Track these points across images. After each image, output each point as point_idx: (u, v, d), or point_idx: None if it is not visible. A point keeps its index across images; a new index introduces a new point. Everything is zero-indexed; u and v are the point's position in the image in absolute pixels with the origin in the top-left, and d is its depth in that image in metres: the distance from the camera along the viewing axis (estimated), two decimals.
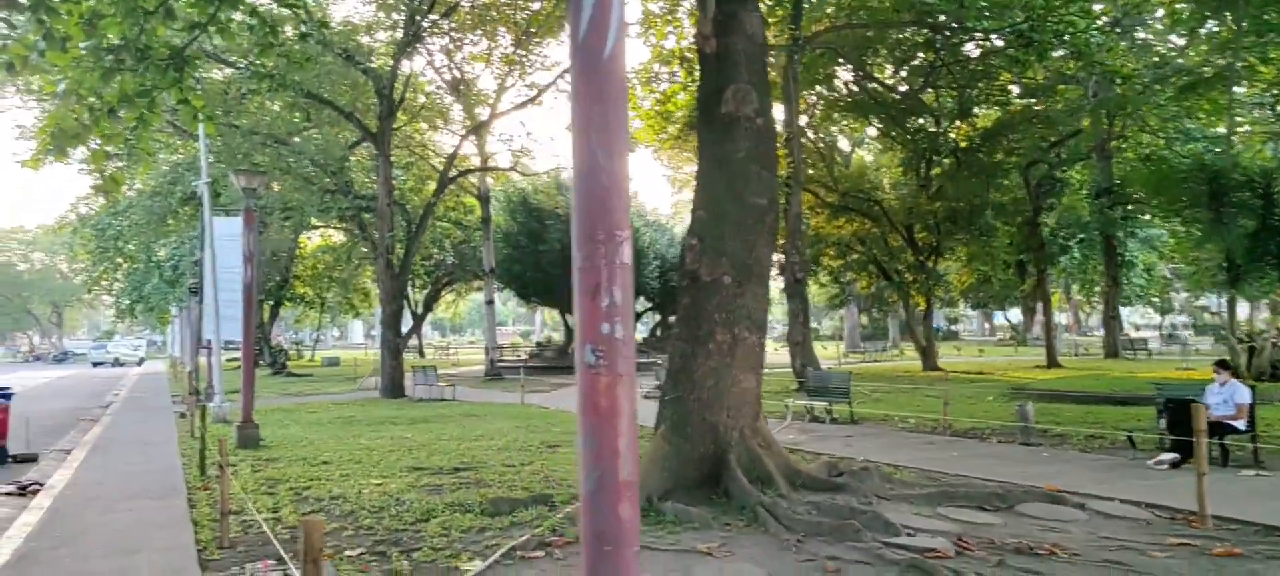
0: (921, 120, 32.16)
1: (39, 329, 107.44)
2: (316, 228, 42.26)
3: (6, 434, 14.65)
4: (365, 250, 47.32)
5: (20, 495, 11.46)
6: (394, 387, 26.07)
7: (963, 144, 31.80)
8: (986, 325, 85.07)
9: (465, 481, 10.92)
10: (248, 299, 15.27)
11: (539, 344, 49.49)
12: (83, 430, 19.75)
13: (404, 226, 28.95)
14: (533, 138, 39.97)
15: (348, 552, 7.59)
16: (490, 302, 36.34)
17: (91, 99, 11.02)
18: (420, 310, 55.44)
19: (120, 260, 43.36)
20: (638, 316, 48.81)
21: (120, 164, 17.50)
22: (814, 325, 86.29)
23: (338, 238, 49.80)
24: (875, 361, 42.69)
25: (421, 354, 59.40)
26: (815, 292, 55.95)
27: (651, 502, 8.56)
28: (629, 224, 3.11)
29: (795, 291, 24.92)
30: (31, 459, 14.67)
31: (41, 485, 11.76)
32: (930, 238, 33.09)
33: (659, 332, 50.15)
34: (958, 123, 32.19)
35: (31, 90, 24.45)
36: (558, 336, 67.34)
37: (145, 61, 10.82)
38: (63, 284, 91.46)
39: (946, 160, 32.26)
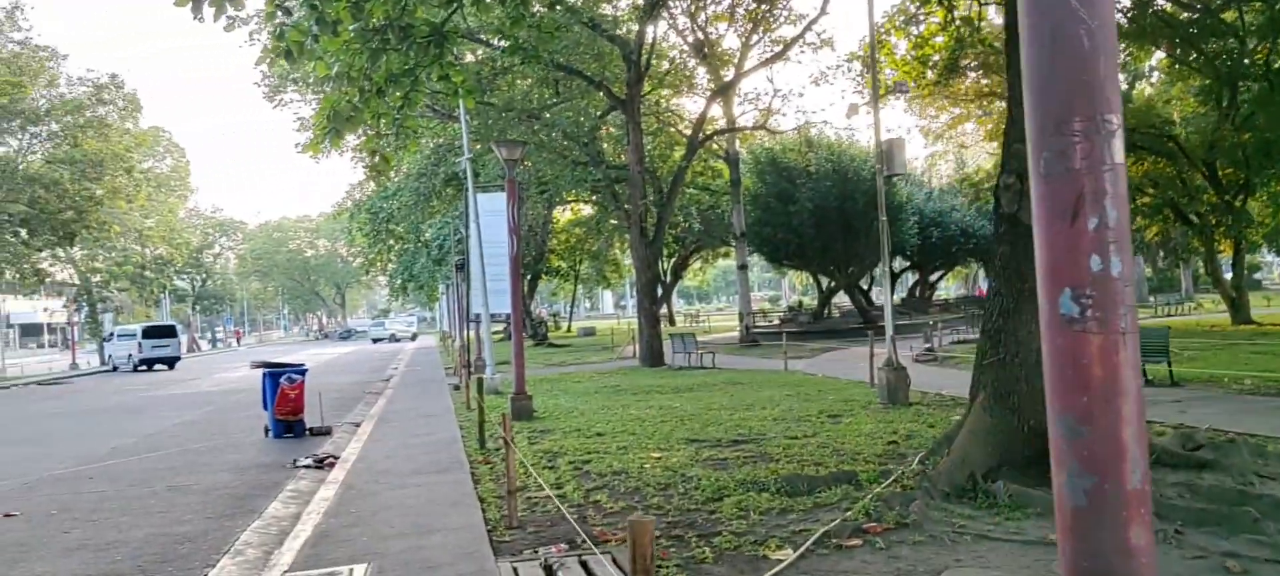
0: (1221, 42, 28.27)
1: (325, 309, 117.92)
2: (568, 201, 43.07)
3: (303, 408, 15.38)
4: (614, 222, 47.97)
5: (318, 468, 11.80)
6: (653, 356, 25.90)
7: (1276, 66, 27.62)
8: None
9: (749, 455, 10.14)
10: (515, 270, 15.23)
11: (791, 308, 48.40)
12: (369, 403, 20.74)
13: (655, 194, 28.70)
14: (780, 94, 37.99)
15: None
16: (743, 267, 35.62)
17: (361, 82, 11.14)
18: (669, 278, 55.76)
19: (392, 241, 46.17)
20: (894, 277, 46.67)
21: (389, 145, 18.09)
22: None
23: (587, 210, 50.73)
24: (1169, 315, 38.46)
25: (671, 322, 59.77)
26: None
27: (977, 482, 7.41)
28: (1120, 106, 2.08)
29: None
30: (326, 432, 15.32)
31: (336, 458, 12.09)
32: (1237, 174, 29.12)
33: (918, 293, 47.77)
34: (1266, 42, 28.03)
35: (308, 83, 26.01)
36: (810, 300, 65.90)
37: (408, 40, 10.78)
38: (344, 267, 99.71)
39: (1255, 85, 28.17)
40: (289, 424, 15.20)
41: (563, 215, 51.99)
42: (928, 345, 25.42)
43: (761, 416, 13.52)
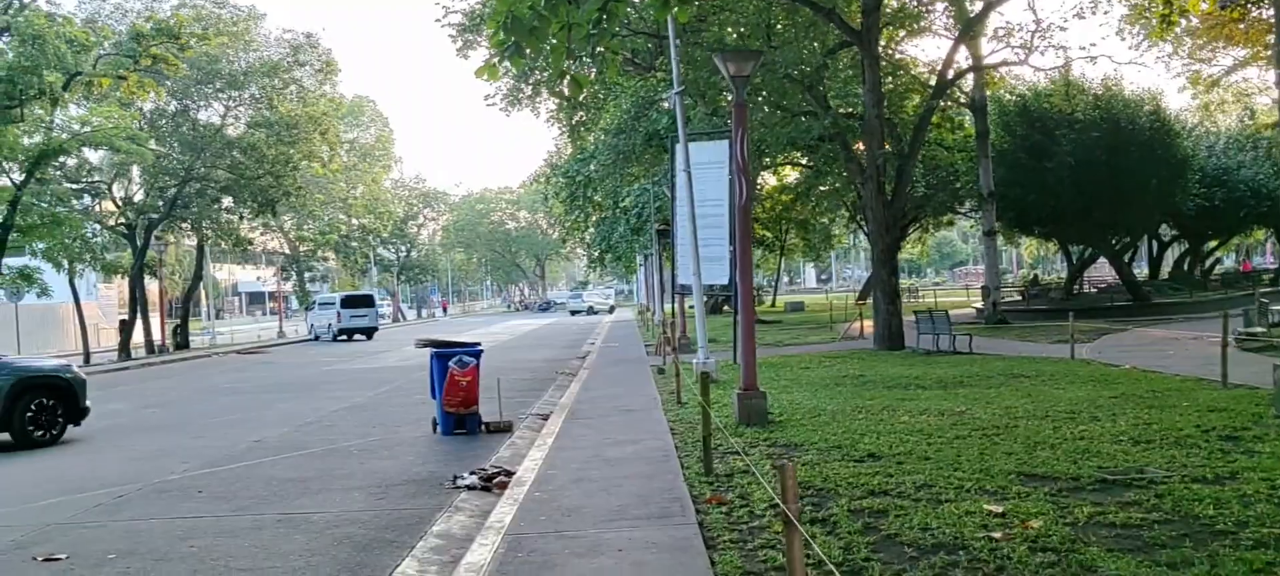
0: None
1: (526, 281, 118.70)
2: (779, 163, 38.96)
3: (477, 398, 12.31)
4: (825, 188, 43.35)
5: (485, 489, 8.60)
6: (891, 337, 21.65)
7: None
8: None
9: (1160, 518, 6.05)
10: (744, 223, 11.50)
11: (1033, 282, 42.46)
12: (561, 387, 17.71)
13: (893, 144, 24.20)
14: (1041, 29, 30.84)
15: None
16: (991, 233, 30.48)
17: None
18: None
19: (589, 209, 43.62)
20: (1164, 246, 40.07)
21: (587, 64, 15.08)
22: None
23: (792, 176, 46.54)
24: None
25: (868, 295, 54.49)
26: None
27: None
28: None
29: None
30: (505, 428, 12.24)
31: (509, 476, 8.83)
32: None
33: (1188, 266, 40.81)
34: None
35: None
36: (1044, 274, 59.23)
37: None
38: (543, 239, 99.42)
39: None
40: (460, 417, 12.18)
41: (767, 181, 47.97)
42: (1246, 329, 19.84)
43: (1104, 433, 9.27)
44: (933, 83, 25.79)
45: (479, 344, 12.75)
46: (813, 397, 13.12)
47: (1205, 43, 39.62)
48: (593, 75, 21.55)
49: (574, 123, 33.24)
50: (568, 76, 11.10)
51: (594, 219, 48.84)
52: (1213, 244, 42.39)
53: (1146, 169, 29.41)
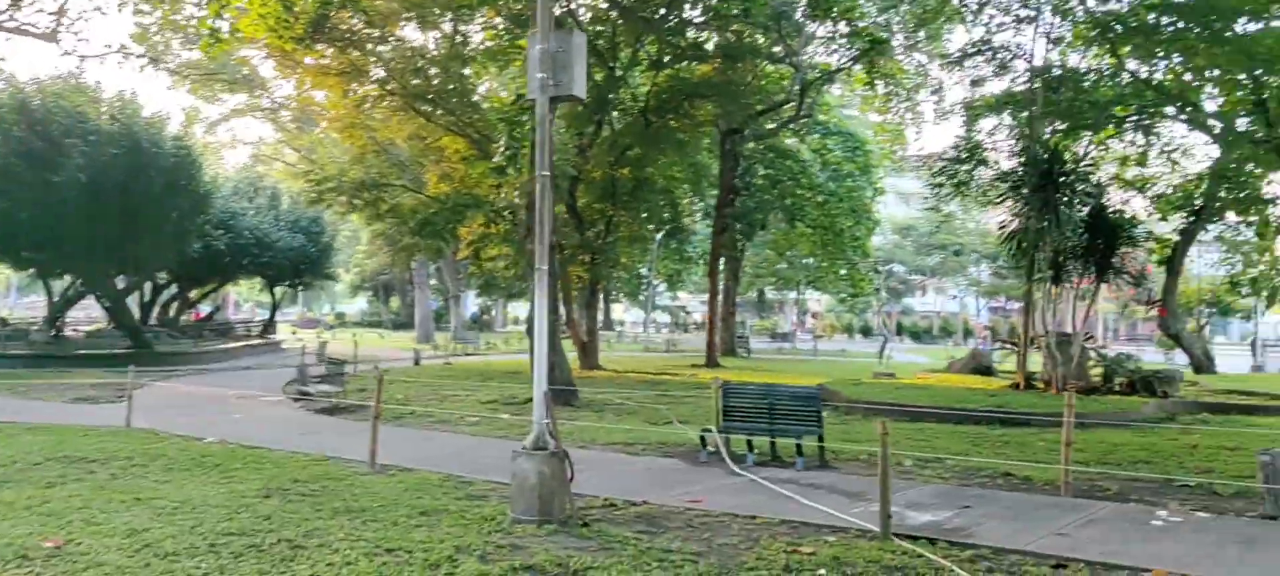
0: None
1: None
2: None
3: None
4: None
5: None
6: None
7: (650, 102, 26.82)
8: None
9: None
10: None
11: (1, 321, 34.70)
12: None
13: None
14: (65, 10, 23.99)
15: None
16: None
17: None
18: None
19: None
20: (159, 288, 36.63)
21: None
22: (354, 310, 75.36)
23: None
24: (486, 356, 36.24)
25: None
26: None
27: None
28: None
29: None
30: None
31: None
32: (606, 209, 27.61)
33: (177, 311, 38.22)
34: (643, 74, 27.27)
35: None
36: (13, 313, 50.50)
37: None
38: None
39: (625, 119, 26.87)
40: None
41: None
42: (306, 385, 18.03)
43: None
44: None
45: None
46: None
47: (203, 82, 38.04)
48: None
49: None
50: None
51: None
52: (203, 290, 40.92)
53: (169, 200, 26.16)
